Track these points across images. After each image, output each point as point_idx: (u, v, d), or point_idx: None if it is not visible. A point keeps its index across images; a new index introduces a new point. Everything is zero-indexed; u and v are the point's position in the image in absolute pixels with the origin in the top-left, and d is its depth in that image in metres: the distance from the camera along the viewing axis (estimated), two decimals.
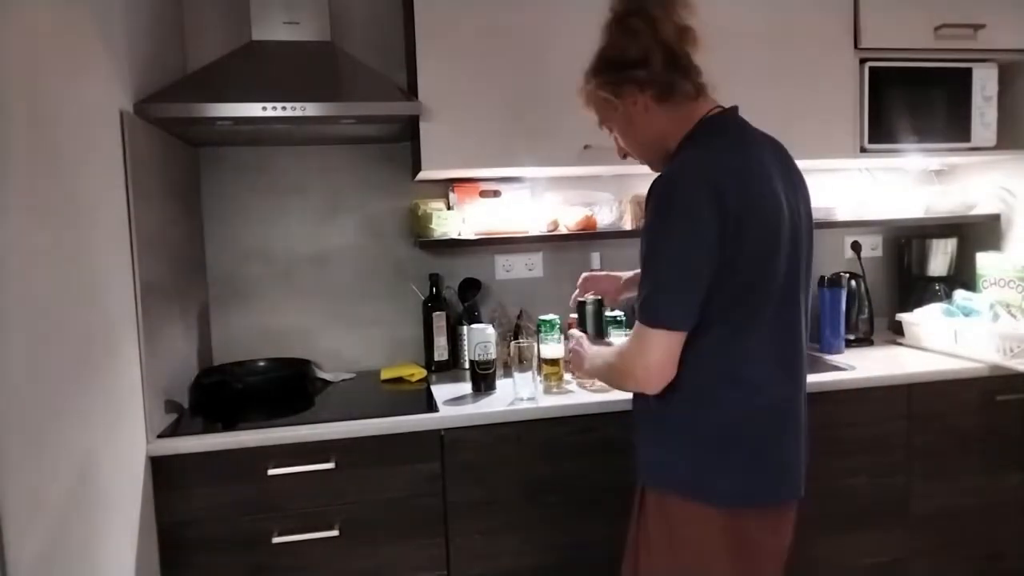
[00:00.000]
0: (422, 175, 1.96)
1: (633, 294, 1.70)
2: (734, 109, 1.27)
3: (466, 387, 1.89)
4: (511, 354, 1.77)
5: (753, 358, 1.18)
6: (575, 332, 1.69)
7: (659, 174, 1.20)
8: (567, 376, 1.89)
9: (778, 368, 1.21)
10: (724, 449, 1.19)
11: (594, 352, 1.49)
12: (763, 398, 1.19)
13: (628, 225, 2.17)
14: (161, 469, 1.55)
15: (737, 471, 1.19)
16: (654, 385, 1.18)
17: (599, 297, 1.78)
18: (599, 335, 1.79)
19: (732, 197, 1.11)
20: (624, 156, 1.39)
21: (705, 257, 1.12)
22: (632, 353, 1.19)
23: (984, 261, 2.23)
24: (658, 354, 1.15)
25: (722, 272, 1.13)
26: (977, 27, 2.06)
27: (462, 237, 2.05)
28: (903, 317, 2.24)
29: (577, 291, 1.74)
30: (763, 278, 1.16)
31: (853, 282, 2.27)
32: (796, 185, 1.26)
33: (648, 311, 1.15)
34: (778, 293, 1.18)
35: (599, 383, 1.79)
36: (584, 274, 1.73)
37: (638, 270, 1.67)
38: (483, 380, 1.85)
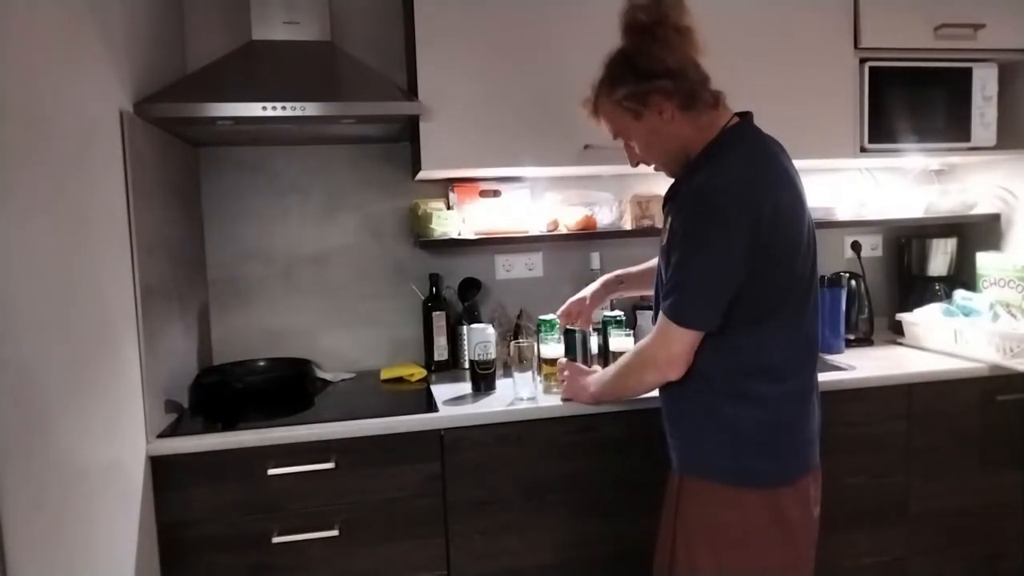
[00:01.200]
0: (422, 175, 1.96)
1: (613, 296, 1.81)
2: (750, 116, 1.32)
3: (466, 387, 1.89)
4: (511, 354, 1.77)
5: (781, 349, 1.26)
6: (563, 361, 1.74)
7: (696, 184, 1.24)
8: None
9: (801, 356, 1.29)
10: (760, 435, 1.26)
11: (596, 374, 1.61)
12: (791, 384, 1.28)
13: (628, 225, 2.17)
14: (161, 469, 1.55)
15: (774, 453, 1.27)
16: (676, 372, 1.29)
17: (584, 329, 1.83)
18: (585, 363, 1.81)
19: (764, 207, 1.18)
20: (637, 164, 1.41)
21: (736, 265, 1.19)
22: (655, 345, 1.30)
23: (984, 261, 2.23)
24: (681, 347, 1.26)
25: (754, 275, 1.20)
26: (977, 27, 2.06)
27: (462, 237, 2.05)
28: (903, 317, 2.24)
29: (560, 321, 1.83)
30: (791, 278, 1.25)
31: (853, 282, 2.27)
32: (801, 184, 1.32)
33: (678, 311, 1.24)
34: (802, 289, 1.27)
35: None
36: (557, 315, 1.82)
37: (605, 277, 1.79)
38: (483, 380, 1.85)
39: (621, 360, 1.45)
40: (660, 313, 1.29)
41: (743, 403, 1.25)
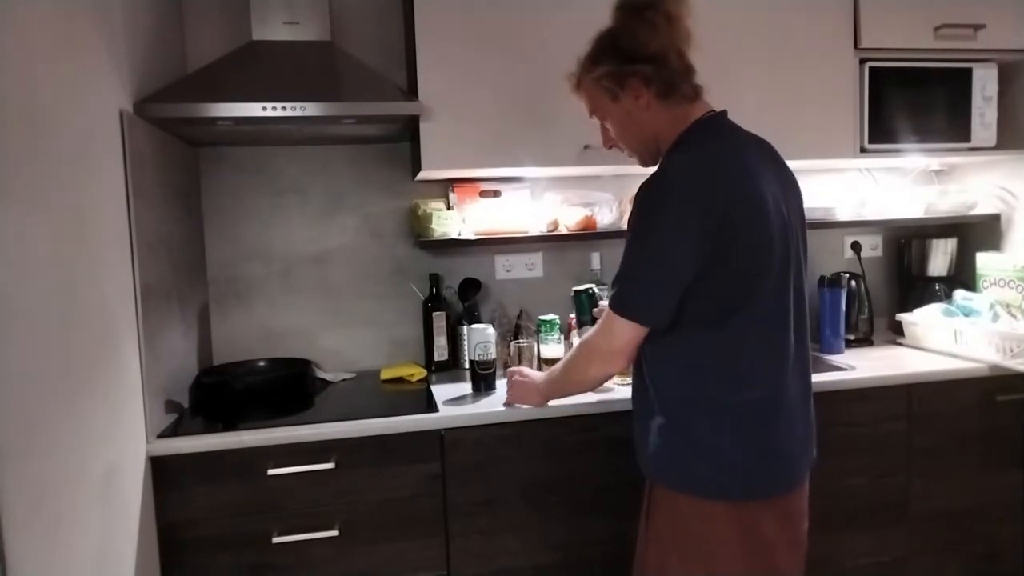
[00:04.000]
0: (422, 175, 1.96)
1: None
2: (724, 113, 1.30)
3: (466, 387, 1.89)
4: (511, 354, 1.77)
5: (746, 353, 1.20)
6: (513, 368, 1.72)
7: (651, 173, 1.23)
8: None
9: (769, 360, 1.22)
10: (722, 444, 1.20)
11: (543, 374, 1.59)
12: (756, 391, 1.21)
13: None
14: (161, 469, 1.55)
15: (738, 465, 1.20)
16: (619, 366, 1.29)
17: (590, 287, 1.82)
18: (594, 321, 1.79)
19: (716, 199, 1.14)
20: (610, 147, 1.40)
21: (682, 257, 1.14)
22: (599, 338, 1.29)
23: (984, 261, 2.23)
24: (622, 341, 1.24)
25: (714, 272, 1.15)
26: (977, 27, 2.06)
27: (462, 237, 2.05)
28: (903, 317, 2.24)
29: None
30: (755, 275, 1.18)
31: (853, 282, 2.27)
32: (786, 183, 1.29)
33: (620, 301, 1.22)
34: (769, 289, 1.20)
35: None
36: None
37: None
38: (483, 380, 1.85)
39: (567, 355, 1.44)
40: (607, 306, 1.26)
41: (703, 411, 1.21)
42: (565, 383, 1.49)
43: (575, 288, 1.84)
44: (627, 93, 1.26)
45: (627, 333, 1.22)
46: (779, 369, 1.23)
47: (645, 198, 1.20)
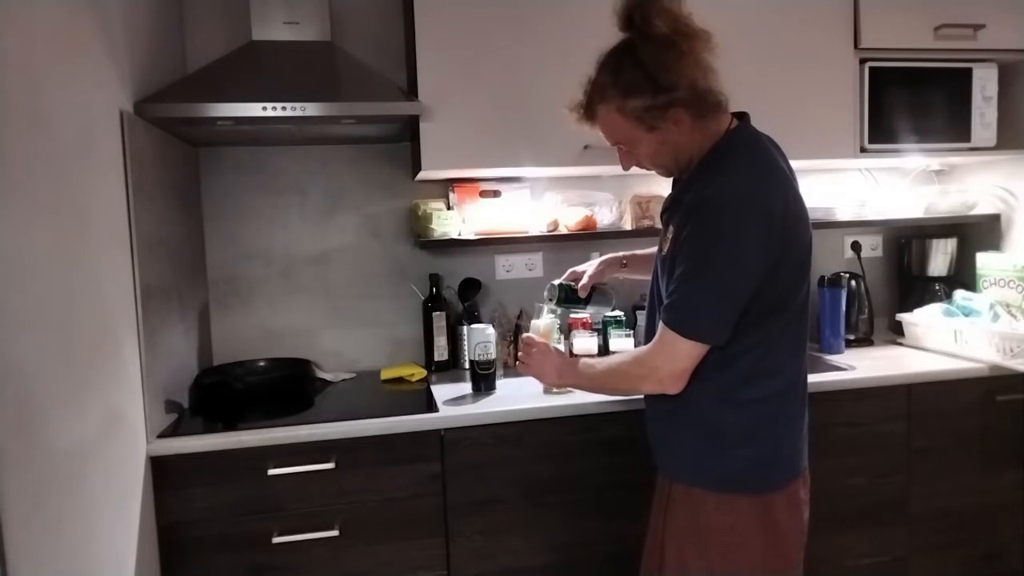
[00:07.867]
0: (422, 175, 1.96)
1: (614, 275, 1.71)
2: (747, 117, 1.30)
3: (466, 387, 1.89)
4: (511, 354, 1.75)
5: (780, 355, 1.24)
6: (529, 336, 1.56)
7: (705, 195, 1.18)
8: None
9: (796, 357, 1.28)
10: (752, 441, 1.24)
11: (573, 362, 1.46)
12: (782, 385, 1.25)
13: (628, 225, 2.17)
14: (161, 469, 1.55)
15: (762, 459, 1.24)
16: (677, 388, 1.24)
17: (571, 282, 1.70)
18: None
19: (775, 217, 1.17)
20: (629, 168, 1.35)
21: (749, 278, 1.16)
22: (660, 359, 1.24)
23: (984, 261, 2.23)
24: (688, 363, 1.21)
25: (765, 284, 1.18)
26: (977, 27, 2.06)
27: (462, 237, 2.05)
28: (903, 317, 2.24)
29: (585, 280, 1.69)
30: (800, 279, 1.24)
31: (853, 282, 2.28)
32: (795, 180, 1.29)
33: (688, 323, 1.19)
34: (804, 288, 1.25)
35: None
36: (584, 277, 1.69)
37: (608, 256, 1.71)
38: (483, 380, 1.85)
39: (613, 361, 1.36)
40: (662, 325, 1.22)
41: (733, 409, 1.23)
42: (601, 387, 1.43)
43: (556, 282, 1.69)
44: (667, 122, 1.20)
45: (693, 354, 1.20)
46: (800, 361, 1.29)
47: (703, 221, 1.17)
